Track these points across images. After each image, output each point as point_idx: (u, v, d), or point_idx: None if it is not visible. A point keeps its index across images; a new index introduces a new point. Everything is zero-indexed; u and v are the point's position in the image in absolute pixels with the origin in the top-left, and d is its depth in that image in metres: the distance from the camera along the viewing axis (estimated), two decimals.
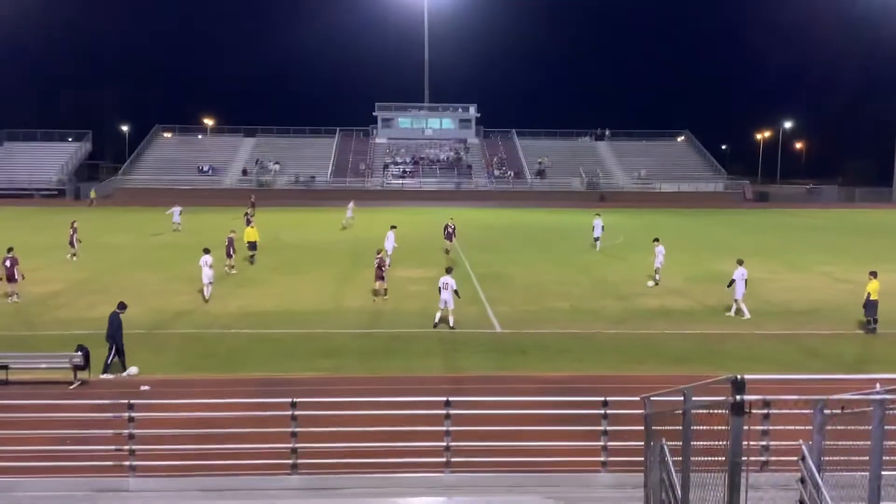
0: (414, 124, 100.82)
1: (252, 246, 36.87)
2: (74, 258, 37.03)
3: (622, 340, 22.43)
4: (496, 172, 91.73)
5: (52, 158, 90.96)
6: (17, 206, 67.89)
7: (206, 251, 28.00)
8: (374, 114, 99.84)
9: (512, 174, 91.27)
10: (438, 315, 23.86)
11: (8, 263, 27.36)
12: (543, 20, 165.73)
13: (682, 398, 8.41)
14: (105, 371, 18.26)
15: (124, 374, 18.36)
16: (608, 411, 12.01)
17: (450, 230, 39.67)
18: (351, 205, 56.86)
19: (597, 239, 42.82)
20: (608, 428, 12.03)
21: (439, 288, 23.67)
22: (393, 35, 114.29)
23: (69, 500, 11.33)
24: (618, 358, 20.41)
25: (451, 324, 23.56)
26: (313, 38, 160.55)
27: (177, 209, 50.94)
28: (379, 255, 28.76)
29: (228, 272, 32.93)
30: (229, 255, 33.39)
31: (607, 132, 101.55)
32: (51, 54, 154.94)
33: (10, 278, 27.23)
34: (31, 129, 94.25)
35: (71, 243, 37.16)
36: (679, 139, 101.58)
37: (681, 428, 8.48)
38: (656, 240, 32.34)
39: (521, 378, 18.09)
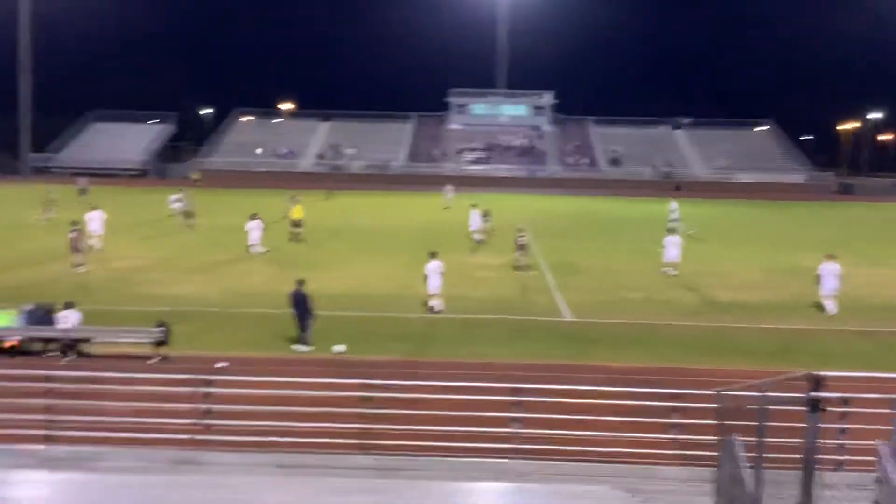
0: (488, 110, 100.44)
1: (296, 224, 38.21)
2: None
3: (695, 332, 22.06)
4: (569, 160, 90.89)
5: (137, 139, 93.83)
6: (103, 185, 70.18)
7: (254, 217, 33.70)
8: (449, 100, 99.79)
9: (586, 162, 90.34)
10: (439, 301, 23.61)
11: (74, 235, 29.50)
12: (624, 4, 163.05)
13: (757, 393, 8.26)
14: (304, 343, 19.19)
15: (302, 348, 19.15)
16: (679, 404, 11.86)
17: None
18: (449, 187, 57.72)
19: (672, 221, 42.59)
20: (679, 421, 11.88)
21: (426, 275, 23.48)
22: (469, 20, 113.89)
23: (148, 471, 11.73)
24: (690, 350, 20.08)
25: (438, 307, 23.50)
26: (390, 23, 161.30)
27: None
28: (521, 234, 31.14)
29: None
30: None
31: (686, 120, 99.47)
32: (138, 38, 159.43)
33: (77, 249, 29.43)
34: (119, 110, 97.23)
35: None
36: (761, 128, 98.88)
37: (754, 423, 8.33)
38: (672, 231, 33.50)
39: (591, 367, 17.96)
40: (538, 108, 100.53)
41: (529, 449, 11.97)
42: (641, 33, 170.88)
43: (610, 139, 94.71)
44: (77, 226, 30.33)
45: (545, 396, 12.50)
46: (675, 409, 11.89)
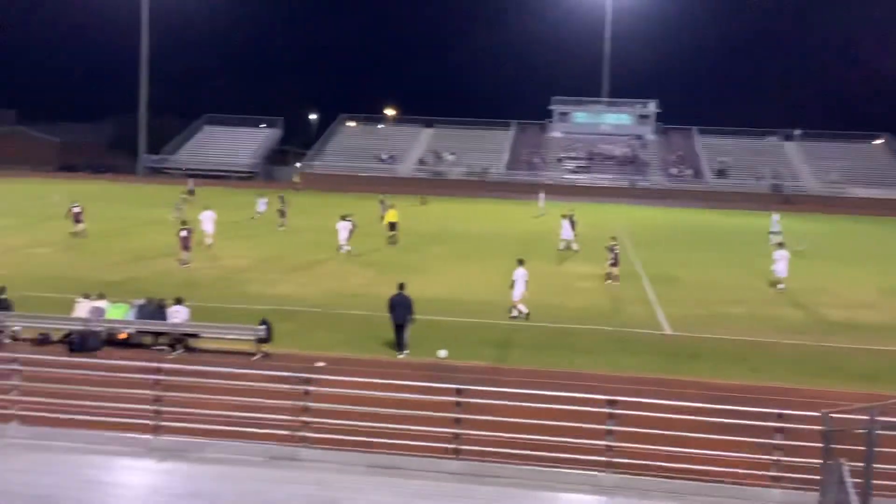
0: (590, 119, 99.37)
1: (392, 226, 39.26)
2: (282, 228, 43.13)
3: (801, 352, 21.26)
4: (673, 171, 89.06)
5: (246, 143, 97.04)
6: (213, 186, 72.83)
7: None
8: (550, 107, 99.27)
9: (690, 173, 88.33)
10: (524, 306, 23.80)
11: (184, 234, 31.25)
12: (732, 11, 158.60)
13: (867, 417, 7.91)
14: (399, 350, 19.43)
15: (400, 355, 19.35)
16: (782, 425, 11.45)
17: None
18: (542, 195, 57.46)
19: (772, 233, 42.39)
20: (781, 442, 11.47)
21: (513, 281, 23.81)
22: (572, 28, 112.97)
23: (248, 464, 12.09)
24: (796, 370, 19.37)
25: (523, 312, 23.77)
26: (494, 31, 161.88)
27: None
28: (614, 243, 30.80)
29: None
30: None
31: (797, 132, 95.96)
32: (250, 45, 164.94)
33: (186, 247, 31.12)
34: (230, 114, 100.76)
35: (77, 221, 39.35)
36: (878, 142, 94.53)
37: (863, 448, 7.98)
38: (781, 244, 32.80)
39: (690, 383, 17.55)
40: (642, 117, 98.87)
41: (622, 463, 11.78)
42: (749, 40, 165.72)
43: (716, 150, 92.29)
44: (187, 225, 31.64)
45: (641, 410, 12.27)
46: (777, 430, 11.48)
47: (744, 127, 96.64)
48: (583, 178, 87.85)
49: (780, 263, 30.08)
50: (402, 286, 20.04)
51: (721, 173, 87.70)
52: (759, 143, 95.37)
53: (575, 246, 38.90)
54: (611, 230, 39.77)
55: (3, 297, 20.41)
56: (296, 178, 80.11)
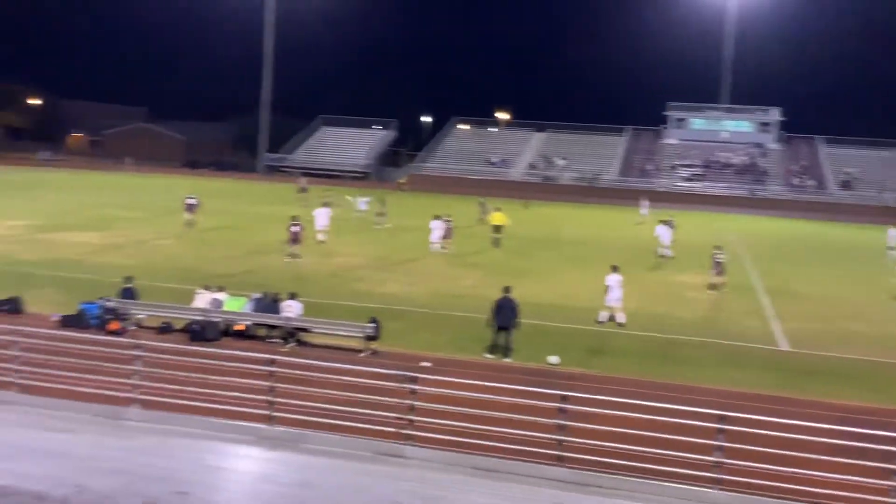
0: (708, 126, 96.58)
1: (497, 229, 39.16)
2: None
3: None
4: (795, 181, 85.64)
5: (360, 144, 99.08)
6: (327, 186, 74.66)
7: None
8: (666, 113, 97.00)
9: (813, 184, 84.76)
10: (607, 314, 23.76)
11: (295, 229, 32.27)
12: (863, 15, 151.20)
13: None
14: (505, 355, 19.42)
15: (505, 359, 19.41)
16: None
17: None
18: (645, 202, 56.31)
19: (891, 249, 41.03)
20: None
21: (608, 286, 23.52)
22: (691, 30, 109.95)
23: (353, 458, 12.37)
24: None
25: (620, 320, 23.59)
26: (609, 34, 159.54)
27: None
28: (718, 252, 30.05)
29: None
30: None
31: None
32: (366, 49, 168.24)
33: (295, 241, 32.07)
34: (345, 116, 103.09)
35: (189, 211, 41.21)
36: None
37: None
38: None
39: (805, 402, 16.85)
40: (763, 125, 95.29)
41: (731, 480, 11.45)
42: (881, 46, 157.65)
43: (841, 160, 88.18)
44: (298, 220, 32.77)
45: (753, 427, 11.88)
46: None
47: (873, 137, 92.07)
48: (698, 187, 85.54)
49: None
50: (507, 289, 20.04)
51: (846, 185, 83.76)
52: (888, 154, 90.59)
53: (669, 252, 38.01)
54: (722, 240, 38.63)
55: (130, 285, 21.53)
56: (401, 180, 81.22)
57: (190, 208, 40.85)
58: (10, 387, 14.33)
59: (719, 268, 29.83)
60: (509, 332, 19.52)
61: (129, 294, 21.15)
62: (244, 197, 62.49)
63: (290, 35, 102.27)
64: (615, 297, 23.56)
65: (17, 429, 12.92)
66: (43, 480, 10.75)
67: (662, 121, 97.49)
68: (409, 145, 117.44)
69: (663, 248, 38.23)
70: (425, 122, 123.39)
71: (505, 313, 19.46)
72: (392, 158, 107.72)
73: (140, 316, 20.83)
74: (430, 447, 12.53)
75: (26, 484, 10.59)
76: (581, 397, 12.65)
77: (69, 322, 19.88)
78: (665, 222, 39.54)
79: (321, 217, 37.31)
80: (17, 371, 14.39)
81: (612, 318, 23.75)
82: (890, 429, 11.83)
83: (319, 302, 23.56)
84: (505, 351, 19.51)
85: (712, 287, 29.91)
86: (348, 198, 50.93)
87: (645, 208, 55.13)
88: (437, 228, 37.05)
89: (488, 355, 19.41)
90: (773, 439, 11.69)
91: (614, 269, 24.14)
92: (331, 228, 37.74)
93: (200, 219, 41.20)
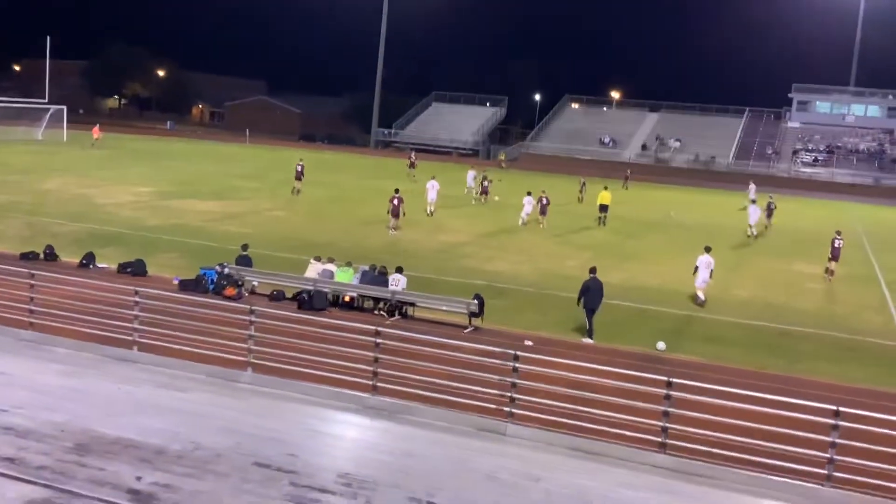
0: (834, 109, 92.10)
1: (603, 208, 39.44)
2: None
3: None
4: None
5: (471, 121, 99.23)
6: (437, 162, 75.22)
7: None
8: (790, 95, 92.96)
9: None
10: (702, 294, 23.79)
11: (395, 202, 32.93)
12: None
13: None
14: (589, 336, 19.39)
15: (589, 339, 19.47)
16: None
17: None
18: (752, 186, 54.43)
19: None
20: None
21: (696, 267, 23.68)
22: (818, 8, 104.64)
23: (455, 433, 12.52)
24: None
25: (703, 298, 23.75)
26: (730, 12, 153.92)
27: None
28: (836, 237, 29.45)
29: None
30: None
31: None
32: (479, 26, 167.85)
33: (395, 214, 32.81)
34: (457, 92, 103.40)
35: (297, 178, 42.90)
36: None
37: None
38: None
39: None
40: (893, 109, 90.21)
41: (844, 478, 11.02)
42: None
43: None
44: (398, 193, 33.56)
45: (870, 425, 11.38)
46: None
47: None
48: (821, 173, 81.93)
49: None
50: (593, 270, 19.91)
51: None
52: None
53: (755, 231, 38.96)
54: (845, 228, 36.91)
55: (246, 253, 22.32)
56: (501, 157, 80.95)
57: (298, 175, 42.87)
58: (131, 345, 15.14)
59: (833, 252, 29.07)
60: (593, 314, 19.31)
61: (244, 261, 21.92)
62: (355, 170, 63.65)
63: (406, 12, 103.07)
64: (703, 278, 23.64)
65: (139, 386, 13.65)
66: (161, 434, 11.34)
67: (786, 103, 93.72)
68: (520, 123, 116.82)
69: (750, 228, 38.99)
70: (537, 100, 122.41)
71: (592, 295, 19.26)
72: (503, 136, 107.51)
73: (254, 283, 21.58)
74: (531, 426, 12.54)
75: (147, 438, 11.20)
76: (687, 384, 12.39)
77: (188, 286, 20.79)
78: (753, 202, 41.01)
79: (431, 190, 38.73)
80: (138, 330, 15.18)
81: (698, 299, 23.92)
82: None
83: (427, 276, 23.86)
84: (588, 332, 19.28)
85: (827, 272, 29.29)
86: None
87: (753, 193, 53.07)
88: (528, 204, 38.07)
89: (587, 339, 19.19)
90: (889, 438, 11.18)
91: (707, 249, 24.15)
92: (441, 204, 38.15)
93: (314, 191, 42.30)
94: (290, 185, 43.58)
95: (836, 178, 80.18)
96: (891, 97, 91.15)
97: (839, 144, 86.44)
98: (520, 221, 37.71)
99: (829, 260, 29.31)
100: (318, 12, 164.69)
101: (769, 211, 42.41)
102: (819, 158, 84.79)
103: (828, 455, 11.12)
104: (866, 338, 21.39)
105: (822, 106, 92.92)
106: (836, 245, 29.15)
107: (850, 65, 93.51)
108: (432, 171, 47.62)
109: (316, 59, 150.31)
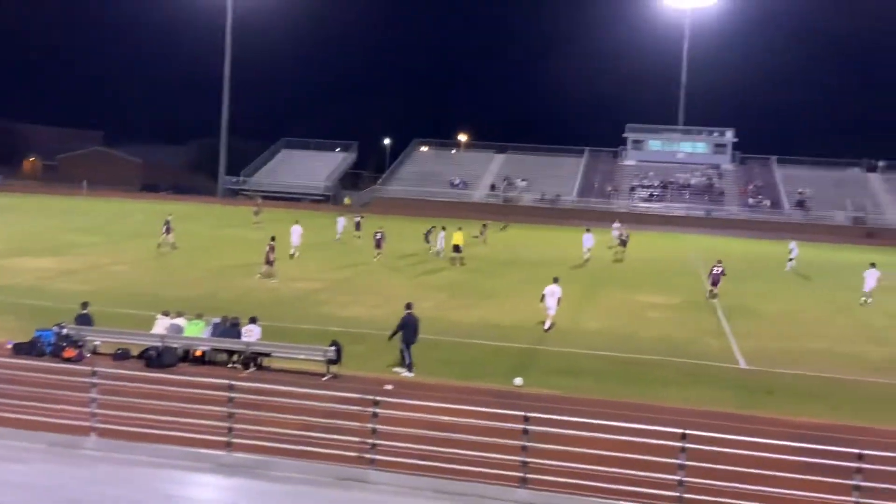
0: (665, 147, 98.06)
1: (456, 248, 40.36)
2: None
3: (884, 391, 20.45)
4: (750, 201, 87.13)
5: (321, 166, 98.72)
6: (288, 209, 74.22)
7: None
8: (625, 135, 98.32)
9: (768, 203, 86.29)
10: (549, 322, 25.59)
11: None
12: (812, 40, 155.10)
13: None
14: (408, 369, 19.54)
15: (406, 373, 19.47)
16: (863, 465, 11.02)
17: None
18: (617, 224, 56.80)
19: (790, 260, 45.15)
20: (862, 483, 11.03)
21: (543, 295, 25.62)
22: (648, 54, 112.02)
23: (314, 484, 12.19)
24: (879, 409, 18.63)
25: (548, 325, 25.59)
26: (567, 57, 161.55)
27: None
28: (719, 265, 33.49)
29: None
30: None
31: (880, 163, 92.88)
32: (326, 72, 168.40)
33: (268, 261, 33.12)
34: (306, 138, 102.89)
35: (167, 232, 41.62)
36: None
37: None
38: (872, 264, 34.54)
39: (766, 420, 17.02)
40: (718, 146, 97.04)
41: (695, 500, 11.48)
42: (831, 68, 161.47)
43: (795, 180, 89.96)
44: (273, 241, 33.84)
45: (714, 445, 11.96)
46: (857, 471, 11.05)
47: (825, 157, 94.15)
48: (656, 207, 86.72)
49: (869, 280, 33.67)
50: (409, 306, 20.46)
51: (800, 204, 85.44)
52: (840, 173, 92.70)
53: (588, 255, 43.24)
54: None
55: (86, 311, 21.12)
56: (347, 201, 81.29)
57: (168, 230, 41.51)
58: None
59: (716, 278, 33.32)
60: (407, 349, 19.79)
61: (84, 320, 20.73)
62: (203, 220, 61.81)
63: (250, 58, 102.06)
64: (549, 305, 25.50)
65: None
66: None
67: (621, 142, 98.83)
68: (371, 167, 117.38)
69: (587, 253, 43.55)
70: (386, 144, 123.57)
71: (410, 330, 19.74)
72: (354, 181, 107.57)
73: (96, 342, 20.43)
74: (394, 471, 12.40)
75: None
76: (545, 418, 12.63)
77: (23, 349, 19.42)
78: (588, 230, 45.26)
79: (294, 235, 39.64)
80: None
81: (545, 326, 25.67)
82: (848, 445, 11.96)
83: (282, 325, 23.35)
84: (408, 366, 19.57)
85: (710, 294, 33.34)
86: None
87: (617, 230, 55.47)
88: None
89: (407, 373, 19.43)
90: (734, 457, 11.77)
91: (555, 280, 26.41)
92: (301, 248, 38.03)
93: (155, 242, 40.85)
94: (133, 237, 41.80)
95: (671, 212, 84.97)
96: (716, 134, 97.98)
97: (672, 180, 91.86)
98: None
99: (712, 284, 33.43)
100: (157, 58, 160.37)
101: (622, 241, 46.41)
102: (654, 193, 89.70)
103: (678, 477, 11.56)
104: (707, 362, 22.59)
105: (655, 144, 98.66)
106: (714, 272, 33.50)
107: (678, 105, 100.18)
108: (283, 219, 46.95)
109: (157, 107, 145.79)
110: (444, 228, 43.43)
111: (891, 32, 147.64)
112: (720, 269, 33.61)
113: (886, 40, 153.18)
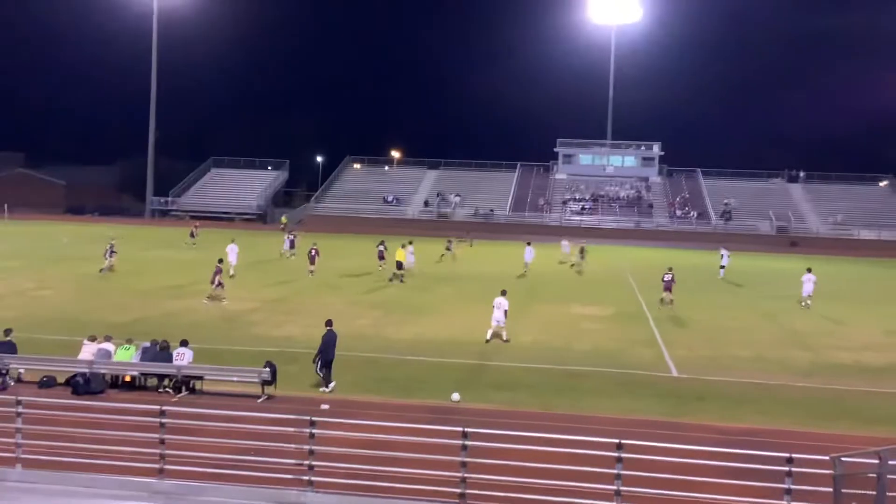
0: (595, 161, 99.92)
1: (399, 265, 40.59)
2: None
3: (810, 395, 21.08)
4: (678, 213, 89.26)
5: (253, 185, 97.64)
6: (220, 228, 73.10)
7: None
8: (556, 150, 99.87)
9: (695, 215, 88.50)
10: (491, 332, 26.08)
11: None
12: (734, 55, 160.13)
13: (877, 461, 7.83)
14: (326, 385, 19.47)
15: (326, 388, 19.25)
16: (793, 469, 11.33)
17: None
18: (565, 242, 57.17)
19: (722, 267, 46.86)
20: (792, 487, 11.34)
21: (493, 307, 26.06)
22: (577, 71, 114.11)
23: None
24: (805, 413, 19.20)
25: (505, 337, 26.25)
26: (497, 74, 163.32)
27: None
28: (671, 272, 34.89)
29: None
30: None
31: (801, 174, 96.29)
32: (256, 90, 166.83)
33: (213, 282, 32.59)
34: (236, 157, 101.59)
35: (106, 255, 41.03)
36: (883, 184, 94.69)
37: (874, 493, 7.90)
38: (809, 269, 36.71)
39: (697, 426, 17.40)
40: (646, 160, 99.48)
41: None
42: (752, 82, 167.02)
43: (721, 192, 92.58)
44: (220, 263, 33.79)
45: (648, 454, 12.15)
46: (787, 474, 11.35)
47: (748, 169, 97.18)
48: (588, 220, 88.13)
49: (807, 285, 35.96)
50: (329, 323, 20.37)
51: (726, 215, 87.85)
52: (763, 184, 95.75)
53: (526, 269, 44.96)
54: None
55: (8, 339, 20.40)
56: (283, 220, 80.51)
57: (110, 253, 41.05)
58: None
59: (668, 285, 34.58)
60: (326, 365, 19.69)
61: (7, 347, 20.01)
62: (130, 242, 60.35)
63: (177, 75, 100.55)
64: (496, 317, 26.04)
65: None
66: None
67: (553, 157, 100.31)
68: (304, 185, 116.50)
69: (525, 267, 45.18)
70: (318, 162, 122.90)
71: (332, 347, 19.64)
72: (286, 199, 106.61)
73: (20, 370, 19.75)
74: (332, 492, 12.27)
75: None
76: (482, 433, 12.66)
77: None
78: (529, 244, 46.66)
79: (231, 253, 39.67)
80: None
81: (497, 336, 26.19)
82: (777, 449, 12.29)
83: (215, 347, 22.94)
84: (326, 383, 19.54)
85: (663, 302, 34.57)
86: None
87: (566, 247, 56.09)
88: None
89: (327, 390, 19.42)
90: (667, 464, 11.97)
91: (503, 293, 26.76)
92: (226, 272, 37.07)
93: (83, 266, 39.68)
94: (57, 261, 40.61)
95: (602, 224, 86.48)
96: (643, 148, 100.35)
97: (602, 193, 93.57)
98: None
99: (664, 290, 34.62)
100: (81, 77, 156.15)
101: (582, 253, 49.08)
102: (586, 207, 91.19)
103: (614, 487, 11.70)
104: (640, 371, 22.97)
105: (585, 158, 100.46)
106: (666, 279, 34.84)
107: (606, 120, 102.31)
108: (218, 239, 46.23)
109: (81, 127, 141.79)
110: (410, 243, 43.62)
111: (806, 49, 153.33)
112: (671, 275, 35.03)
113: (803, 57, 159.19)
